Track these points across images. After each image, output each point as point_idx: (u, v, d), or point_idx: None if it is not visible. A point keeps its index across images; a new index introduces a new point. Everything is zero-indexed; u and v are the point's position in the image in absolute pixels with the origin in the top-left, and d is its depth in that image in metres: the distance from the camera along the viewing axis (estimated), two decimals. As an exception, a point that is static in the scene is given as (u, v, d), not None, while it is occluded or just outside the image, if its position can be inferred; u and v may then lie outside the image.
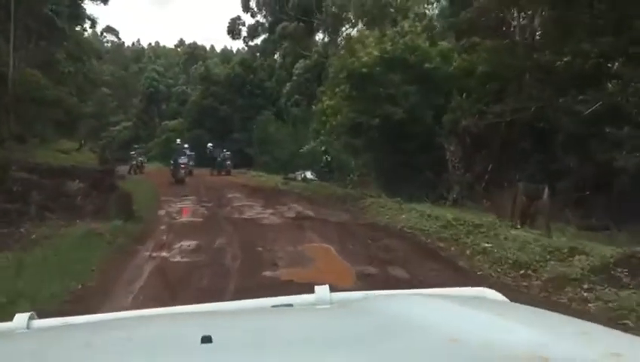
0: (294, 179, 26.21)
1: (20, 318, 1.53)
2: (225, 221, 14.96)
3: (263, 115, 37.78)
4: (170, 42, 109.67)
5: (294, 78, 39.51)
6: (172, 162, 28.00)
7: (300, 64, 39.45)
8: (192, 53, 62.11)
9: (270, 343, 1.17)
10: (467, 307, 1.36)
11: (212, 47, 72.59)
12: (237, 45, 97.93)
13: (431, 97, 20.67)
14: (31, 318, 1.54)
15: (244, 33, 45.17)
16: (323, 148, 25.76)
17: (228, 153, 31.61)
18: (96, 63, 65.30)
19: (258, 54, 46.64)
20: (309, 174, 26.46)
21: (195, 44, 66.36)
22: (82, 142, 29.37)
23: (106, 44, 77.53)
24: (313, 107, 26.55)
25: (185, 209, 17.81)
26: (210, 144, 33.15)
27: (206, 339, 1.09)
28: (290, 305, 1.61)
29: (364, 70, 21.30)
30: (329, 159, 26.06)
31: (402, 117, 20.44)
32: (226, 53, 62.48)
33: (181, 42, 76.55)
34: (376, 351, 1.04)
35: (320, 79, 39.13)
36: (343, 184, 22.97)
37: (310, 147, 27.80)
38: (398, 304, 1.48)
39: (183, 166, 26.88)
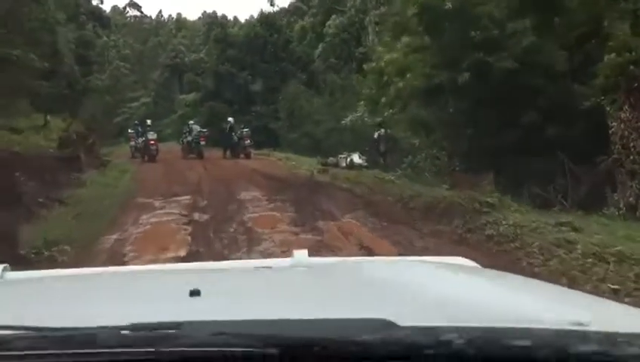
0: (336, 165, 17.47)
1: None
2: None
3: (291, 83, 28.80)
4: (193, 16, 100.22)
5: (327, 38, 30.49)
6: (141, 139, 23.32)
7: (334, 21, 30.36)
8: (212, 23, 53.11)
9: (257, 295, 1.16)
10: (450, 271, 1.30)
11: (235, 17, 63.57)
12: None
13: (560, 33, 11.73)
14: (4, 270, 1.45)
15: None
16: (378, 120, 16.85)
17: (246, 130, 22.83)
18: (113, 37, 57.39)
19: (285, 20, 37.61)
20: (356, 158, 17.67)
21: (215, 13, 57.44)
22: (48, 117, 20.87)
23: (128, 20, 69.65)
24: (364, 67, 17.51)
25: (156, 231, 9.33)
26: (230, 119, 24.31)
27: (195, 293, 1.06)
28: (269, 268, 1.55)
29: (447, 5, 12.49)
30: (382, 135, 17.13)
31: (510, 67, 11.58)
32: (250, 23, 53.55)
33: (204, 15, 67.84)
34: (364, 306, 1.00)
35: (359, 40, 30.13)
36: (412, 173, 14.28)
37: (355, 118, 18.91)
38: (378, 267, 1.41)
39: (152, 142, 22.11)
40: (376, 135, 17.00)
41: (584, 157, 11.23)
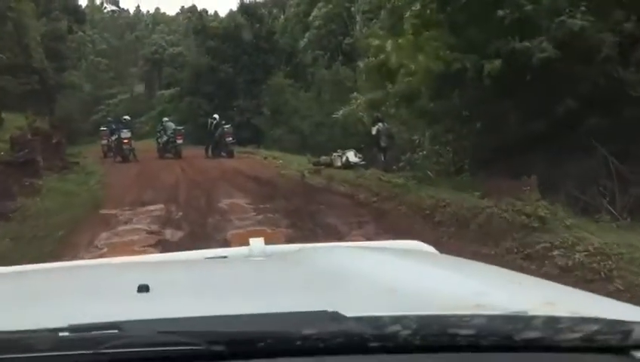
0: (330, 165, 15.29)
1: None
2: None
3: (275, 75, 26.45)
4: (172, 10, 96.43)
5: (313, 29, 28.22)
6: (115, 137, 20.76)
7: (320, 11, 28.09)
8: (191, 18, 50.47)
9: (211, 290, 1.10)
10: (404, 258, 1.30)
11: (215, 12, 60.79)
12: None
13: (610, 11, 9.63)
14: None
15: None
16: (376, 114, 14.67)
17: (228, 127, 20.48)
18: (89, 32, 54.35)
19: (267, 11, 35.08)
20: (352, 156, 15.49)
21: (194, 7, 54.60)
22: (2, 115, 18.32)
23: (106, 14, 66.52)
24: (360, 64, 15.37)
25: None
26: (215, 115, 21.86)
27: (143, 288, 0.99)
28: (225, 257, 1.49)
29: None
30: (381, 129, 14.95)
31: (548, 56, 9.44)
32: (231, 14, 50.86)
33: (183, 10, 64.88)
34: (320, 297, 0.96)
35: (347, 30, 27.92)
36: (425, 175, 12.19)
37: (347, 112, 16.76)
38: (333, 255, 1.37)
39: (126, 141, 19.56)
40: (374, 130, 14.83)
41: (632, 154, 9.22)
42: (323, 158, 15.92)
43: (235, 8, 34.23)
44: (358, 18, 26.86)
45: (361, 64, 15.16)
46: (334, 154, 15.79)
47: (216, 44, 27.82)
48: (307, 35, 28.04)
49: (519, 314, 0.80)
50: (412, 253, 1.45)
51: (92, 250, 7.50)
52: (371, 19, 24.19)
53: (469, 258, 5.14)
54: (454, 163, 14.52)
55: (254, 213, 9.53)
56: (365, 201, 9.87)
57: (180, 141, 20.71)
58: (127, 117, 23.98)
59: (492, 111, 11.47)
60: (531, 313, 0.80)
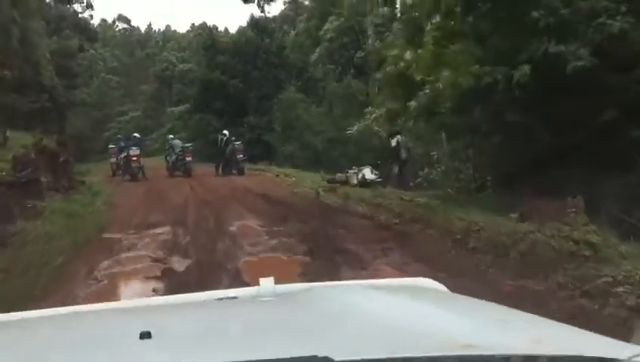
0: (346, 182, 14.49)
1: None
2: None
3: (286, 90, 25.77)
4: (183, 28, 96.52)
5: (324, 42, 27.59)
6: (124, 155, 19.97)
7: (332, 24, 27.47)
8: (201, 34, 50.22)
9: (211, 335, 1.09)
10: (410, 298, 1.31)
11: (226, 29, 60.57)
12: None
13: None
14: None
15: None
16: (393, 129, 13.89)
17: (238, 143, 19.77)
18: (100, 50, 54.26)
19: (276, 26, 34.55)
20: (368, 173, 14.68)
21: (205, 24, 54.37)
22: (7, 134, 17.75)
23: (118, 32, 66.57)
24: (376, 75, 14.65)
25: (113, 294, 6.33)
26: (225, 131, 21.12)
27: (145, 335, 0.97)
28: (235, 298, 1.47)
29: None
30: (401, 141, 14.18)
31: (584, 65, 8.63)
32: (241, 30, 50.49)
33: (193, 27, 64.76)
34: (317, 341, 0.98)
35: (359, 43, 27.27)
36: (453, 194, 11.38)
37: (362, 126, 16.00)
38: (340, 295, 1.40)
39: (134, 158, 18.79)
40: (393, 141, 14.08)
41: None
42: (338, 176, 15.12)
43: (245, 24, 33.77)
44: (370, 31, 26.25)
45: (377, 75, 14.36)
46: (350, 171, 14.99)
47: (225, 59, 27.21)
48: (318, 49, 27.41)
49: (500, 354, 0.80)
50: (421, 292, 1.47)
51: (90, 282, 6.75)
52: (384, 32, 23.57)
53: (517, 295, 4.29)
54: (475, 180, 13.72)
55: (267, 237, 8.75)
56: (387, 223, 9.04)
57: (189, 158, 19.99)
58: (136, 134, 23.45)
59: (519, 125, 10.66)
60: (513, 352, 0.81)
